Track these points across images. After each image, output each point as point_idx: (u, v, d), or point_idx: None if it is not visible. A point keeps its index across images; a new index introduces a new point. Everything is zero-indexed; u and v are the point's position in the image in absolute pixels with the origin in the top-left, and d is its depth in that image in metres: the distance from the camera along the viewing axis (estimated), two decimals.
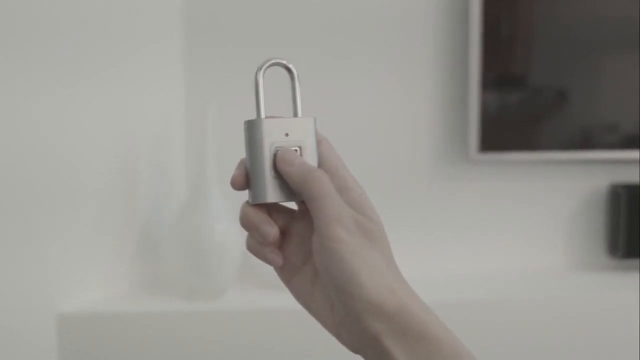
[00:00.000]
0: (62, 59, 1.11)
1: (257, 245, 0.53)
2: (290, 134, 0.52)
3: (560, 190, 1.57)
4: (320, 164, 0.53)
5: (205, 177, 1.28)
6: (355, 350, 0.50)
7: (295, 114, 0.54)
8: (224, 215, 1.28)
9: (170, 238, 1.30)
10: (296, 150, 0.52)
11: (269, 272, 1.36)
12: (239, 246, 1.30)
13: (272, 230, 0.52)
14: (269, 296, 1.32)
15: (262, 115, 0.53)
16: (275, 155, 0.52)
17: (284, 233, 0.54)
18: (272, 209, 0.54)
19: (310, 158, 0.53)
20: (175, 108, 1.48)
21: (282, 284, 1.33)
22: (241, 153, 1.26)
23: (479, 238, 1.56)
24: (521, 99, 1.48)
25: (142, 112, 1.35)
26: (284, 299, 1.28)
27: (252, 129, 0.53)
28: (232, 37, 1.49)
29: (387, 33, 1.50)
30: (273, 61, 0.54)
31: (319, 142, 0.53)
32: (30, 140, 1.04)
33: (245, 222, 0.52)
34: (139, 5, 1.34)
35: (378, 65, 1.51)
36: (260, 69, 0.53)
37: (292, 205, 0.56)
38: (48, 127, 1.08)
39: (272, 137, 0.52)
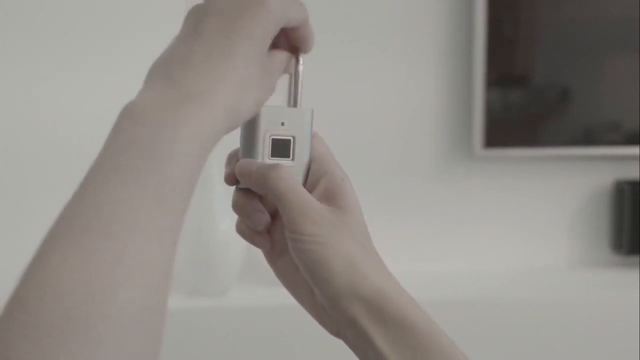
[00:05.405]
0: (61, 58, 1.12)
1: (246, 230, 0.53)
2: (286, 123, 0.52)
3: (565, 187, 1.57)
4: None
5: (207, 175, 1.28)
6: (336, 334, 0.51)
7: (295, 104, 0.53)
8: (226, 214, 1.28)
9: None
10: (289, 140, 0.52)
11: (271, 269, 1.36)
12: (242, 244, 1.30)
13: (263, 218, 0.52)
14: (272, 293, 1.32)
15: None
16: (270, 142, 0.51)
17: (273, 215, 0.54)
18: None
19: (304, 150, 0.52)
20: None
21: None
22: None
23: (483, 234, 1.56)
24: (525, 97, 1.48)
25: None
26: (286, 296, 1.28)
27: None
28: None
29: (393, 32, 1.50)
30: None
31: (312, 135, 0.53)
32: (30, 147, 1.04)
33: (238, 208, 0.53)
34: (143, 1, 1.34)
35: (384, 64, 1.51)
36: None
37: None
38: (48, 129, 1.09)
39: (267, 125, 0.51)
